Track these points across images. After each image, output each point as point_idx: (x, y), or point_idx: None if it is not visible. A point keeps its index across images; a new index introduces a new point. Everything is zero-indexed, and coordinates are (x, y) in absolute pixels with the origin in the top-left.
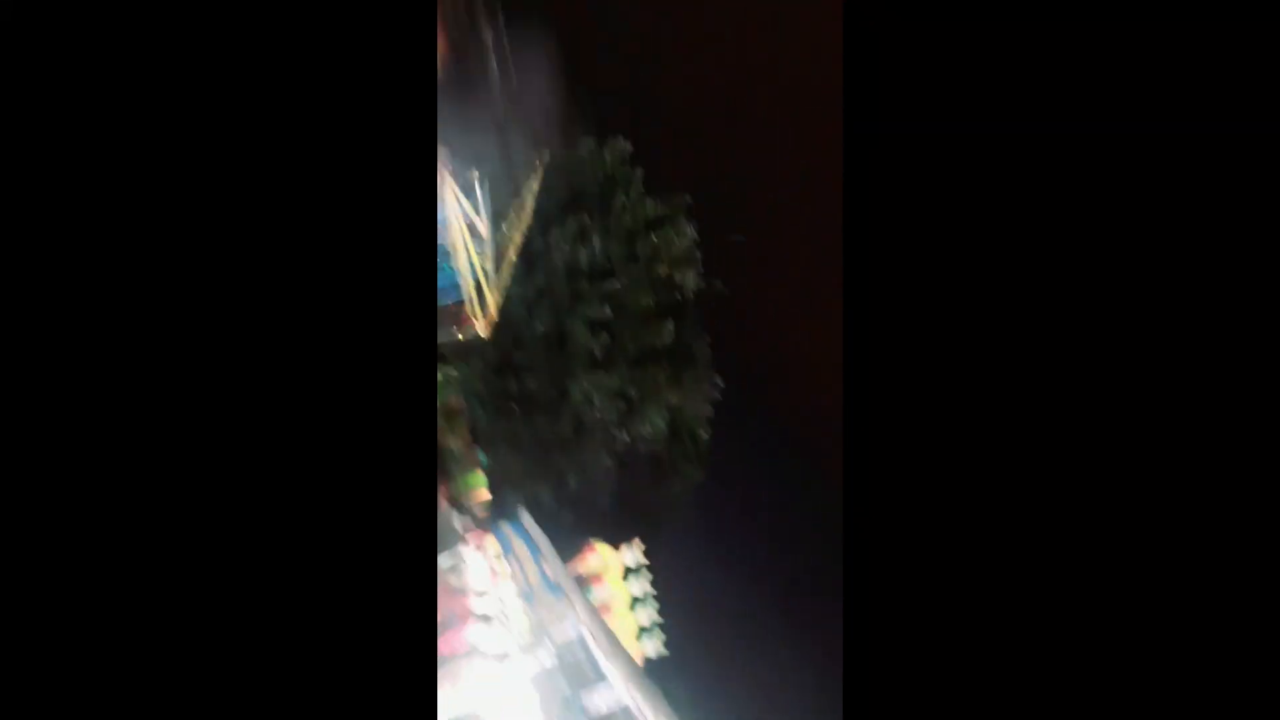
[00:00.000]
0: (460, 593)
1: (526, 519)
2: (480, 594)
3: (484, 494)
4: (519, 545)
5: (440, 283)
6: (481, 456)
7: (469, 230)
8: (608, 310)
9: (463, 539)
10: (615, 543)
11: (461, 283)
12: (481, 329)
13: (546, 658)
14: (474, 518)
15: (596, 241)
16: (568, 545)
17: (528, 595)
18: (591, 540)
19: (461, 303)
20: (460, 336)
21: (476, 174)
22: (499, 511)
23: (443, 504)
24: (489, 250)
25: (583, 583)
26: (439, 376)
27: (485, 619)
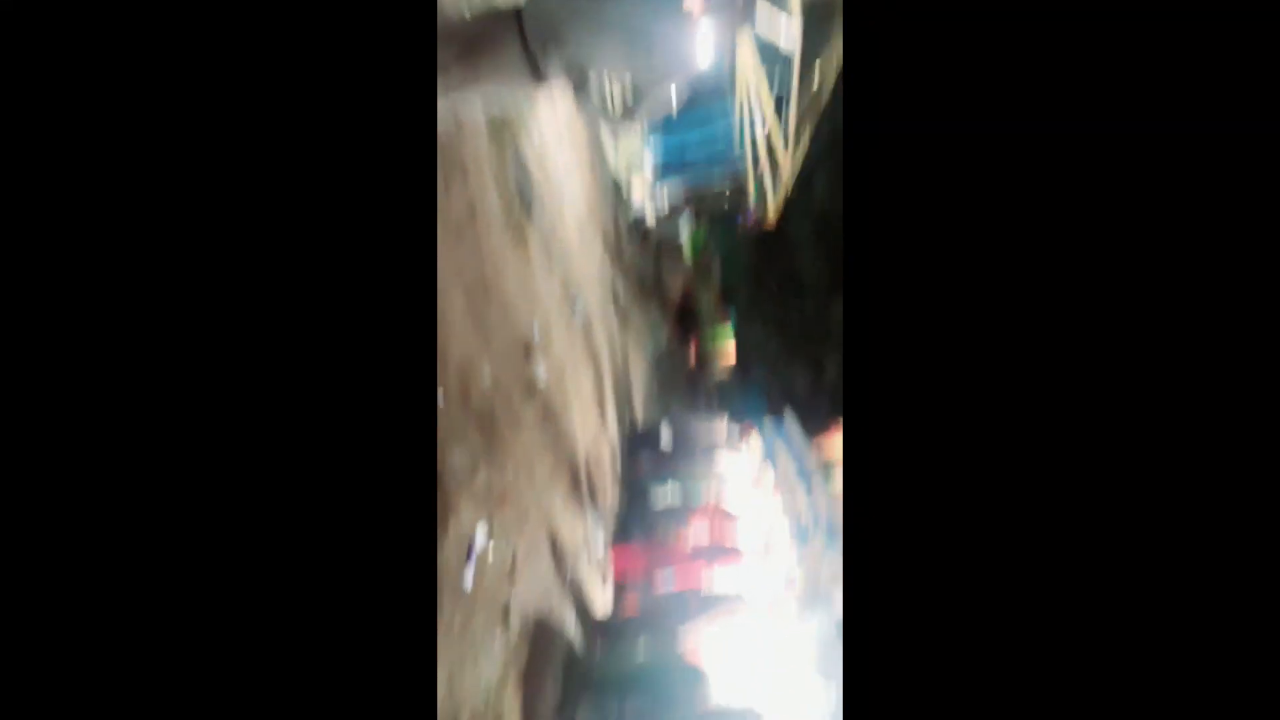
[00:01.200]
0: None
1: (790, 415)
2: (739, 518)
3: (731, 355)
4: (780, 444)
5: (718, 153)
6: (732, 316)
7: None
8: None
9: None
10: None
11: (742, 163)
12: (767, 216)
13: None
14: (715, 382)
15: None
16: (817, 427)
17: (800, 534)
18: (839, 419)
19: (740, 177)
20: (740, 221)
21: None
22: (757, 402)
23: (691, 364)
24: (778, 133)
25: (828, 468)
26: (696, 229)
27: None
